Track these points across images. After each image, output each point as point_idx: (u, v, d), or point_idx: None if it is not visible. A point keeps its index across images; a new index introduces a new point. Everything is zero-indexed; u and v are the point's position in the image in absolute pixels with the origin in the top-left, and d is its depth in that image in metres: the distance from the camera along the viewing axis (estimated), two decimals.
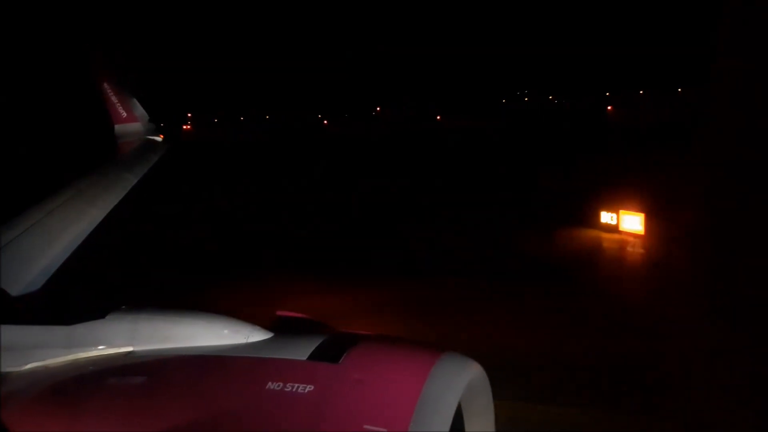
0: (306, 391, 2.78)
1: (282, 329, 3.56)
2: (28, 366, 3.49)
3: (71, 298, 4.73)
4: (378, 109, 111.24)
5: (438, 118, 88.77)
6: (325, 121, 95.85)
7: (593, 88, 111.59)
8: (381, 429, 2.56)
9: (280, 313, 4.14)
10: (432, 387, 2.74)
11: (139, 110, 9.12)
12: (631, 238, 18.59)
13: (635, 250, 17.89)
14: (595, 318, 12.15)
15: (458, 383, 2.81)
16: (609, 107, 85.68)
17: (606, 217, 19.51)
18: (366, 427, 2.58)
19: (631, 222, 18.91)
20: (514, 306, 13.10)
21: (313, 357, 3.00)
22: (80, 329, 3.56)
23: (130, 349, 3.46)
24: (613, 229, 19.19)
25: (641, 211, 18.79)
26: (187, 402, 2.94)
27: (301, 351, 3.05)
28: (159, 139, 8.96)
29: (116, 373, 3.24)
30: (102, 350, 3.49)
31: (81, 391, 3.20)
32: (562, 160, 35.56)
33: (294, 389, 2.79)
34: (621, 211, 19.13)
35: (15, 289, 4.42)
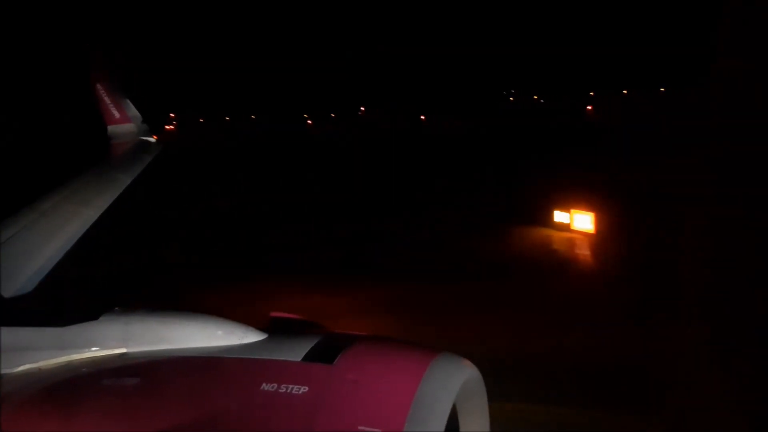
0: (301, 392, 2.78)
1: (276, 330, 3.55)
2: (21, 368, 3.47)
3: (64, 299, 4.71)
4: (362, 109, 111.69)
5: (422, 117, 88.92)
6: (309, 121, 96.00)
7: (576, 87, 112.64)
8: (376, 430, 2.56)
9: (274, 314, 4.13)
10: (427, 387, 2.74)
11: (132, 111, 9.10)
12: (581, 237, 19.00)
13: (582, 249, 18.34)
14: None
15: (453, 384, 2.81)
16: (588, 107, 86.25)
17: (559, 216, 19.91)
18: (361, 428, 2.58)
19: (582, 221, 19.31)
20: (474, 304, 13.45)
21: (307, 358, 2.99)
22: (73, 331, 3.55)
23: (123, 350, 3.45)
24: (566, 228, 19.61)
25: (592, 210, 19.26)
26: (181, 403, 2.93)
27: (295, 352, 3.05)
28: (152, 139, 8.95)
29: (110, 375, 3.23)
30: (95, 352, 3.48)
31: (74, 393, 3.19)
32: (530, 159, 36.38)
33: (288, 390, 2.79)
34: (572, 210, 19.54)
35: (8, 290, 4.40)
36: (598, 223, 18.93)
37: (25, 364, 3.48)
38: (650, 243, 16.73)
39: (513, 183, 28.28)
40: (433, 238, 19.70)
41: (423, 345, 3.19)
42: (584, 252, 18.11)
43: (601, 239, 18.43)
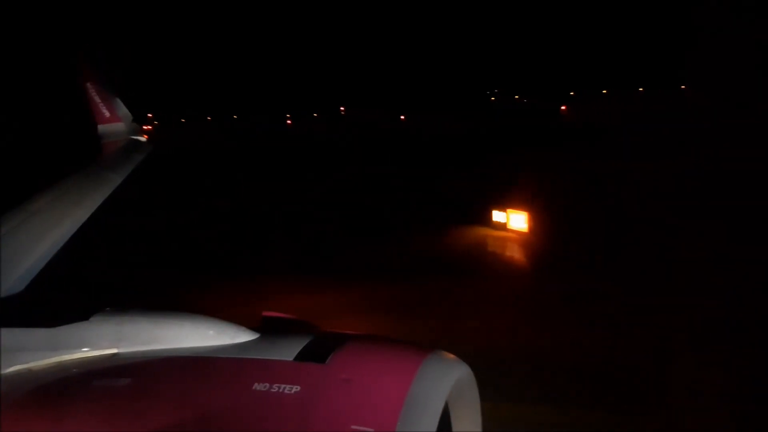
0: (293, 391, 2.77)
1: (268, 330, 3.55)
2: (11, 369, 3.45)
3: (55, 299, 4.68)
4: (342, 109, 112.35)
5: (402, 117, 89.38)
6: (289, 121, 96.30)
7: (556, 87, 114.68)
8: (368, 429, 2.56)
9: (266, 313, 4.12)
10: (419, 386, 2.74)
11: (123, 110, 9.08)
12: (515, 236, 19.81)
13: (513, 247, 19.20)
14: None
15: (445, 382, 2.82)
16: (563, 107, 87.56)
17: (497, 215, 20.67)
18: (353, 427, 2.58)
19: (517, 220, 20.06)
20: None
21: (299, 357, 2.99)
22: (64, 331, 3.52)
23: (115, 350, 3.44)
24: (503, 227, 20.38)
25: (526, 209, 20.12)
26: (173, 403, 2.92)
27: (287, 351, 3.05)
28: (143, 139, 8.93)
29: (101, 375, 3.22)
30: (86, 352, 3.46)
31: (65, 394, 3.17)
32: (487, 159, 38.02)
33: (281, 390, 2.79)
34: (509, 210, 20.32)
35: None
36: (532, 222, 19.75)
37: (15, 365, 3.46)
38: (581, 240, 18.08)
39: (467, 182, 29.27)
40: (376, 239, 20.42)
41: (415, 343, 3.19)
42: (514, 251, 18.96)
43: (533, 238, 19.27)
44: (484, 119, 74.69)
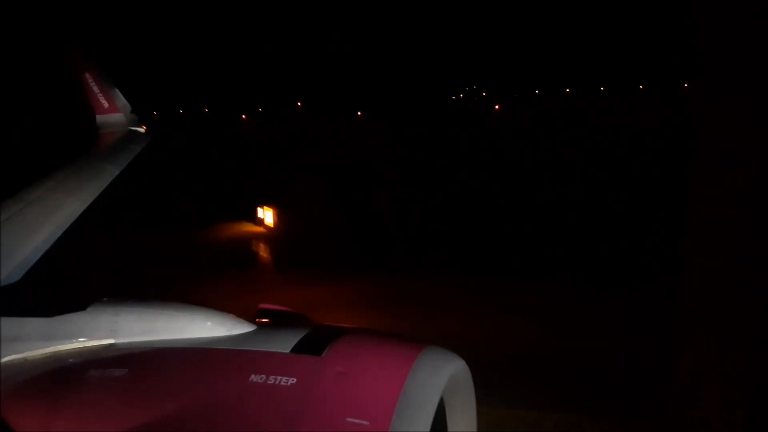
0: (288, 383, 2.78)
1: (265, 322, 3.56)
2: (7, 358, 3.45)
3: (51, 290, 4.68)
4: (299, 104, 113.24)
5: (359, 114, 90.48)
6: (243, 116, 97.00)
7: (524, 85, 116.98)
8: (363, 422, 2.58)
9: (262, 305, 4.13)
10: (415, 380, 2.75)
11: (122, 101, 9.02)
12: (264, 230, 22.55)
13: (257, 240, 21.69)
14: None
15: (441, 377, 2.83)
16: (496, 106, 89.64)
17: (260, 212, 23.25)
18: (348, 420, 2.59)
19: (268, 216, 22.77)
20: None
21: (296, 350, 3.00)
22: (60, 321, 3.52)
23: (111, 341, 3.44)
24: (261, 222, 23.00)
25: (273, 206, 22.89)
26: (169, 394, 2.93)
27: (284, 343, 3.06)
28: (141, 130, 8.88)
29: (97, 366, 3.22)
30: (83, 342, 3.46)
31: (61, 384, 3.17)
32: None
33: (276, 382, 2.80)
34: (264, 207, 22.95)
35: None
36: (276, 218, 22.47)
37: (11, 354, 3.46)
38: (311, 233, 20.68)
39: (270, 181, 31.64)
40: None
41: (411, 338, 3.20)
42: (255, 243, 21.38)
43: (274, 231, 22.08)
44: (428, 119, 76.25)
